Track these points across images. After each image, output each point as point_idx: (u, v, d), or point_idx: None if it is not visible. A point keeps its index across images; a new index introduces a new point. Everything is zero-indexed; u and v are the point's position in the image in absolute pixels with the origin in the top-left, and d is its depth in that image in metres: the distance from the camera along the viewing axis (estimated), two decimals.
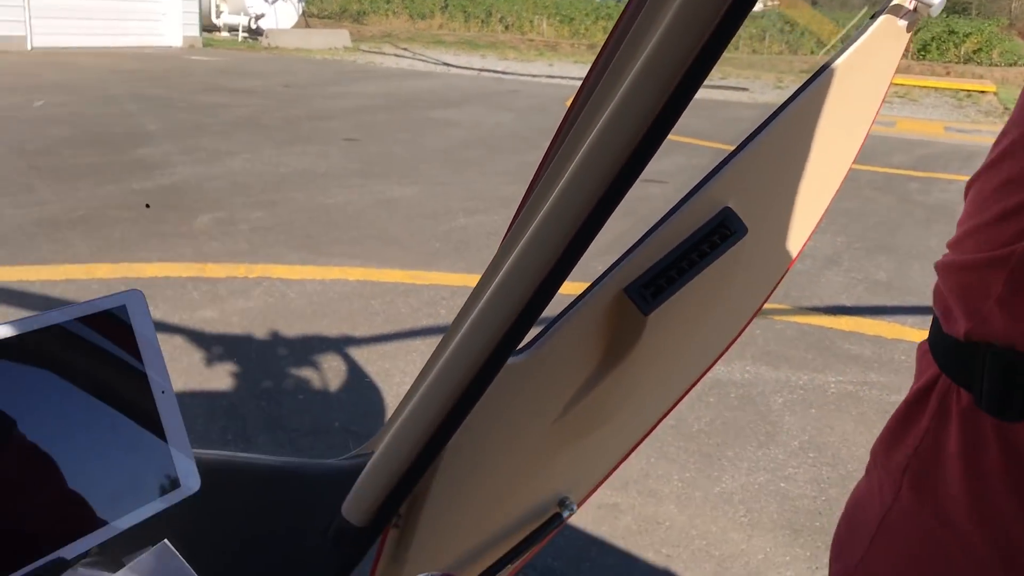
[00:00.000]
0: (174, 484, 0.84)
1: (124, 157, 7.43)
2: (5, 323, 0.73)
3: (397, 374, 3.78)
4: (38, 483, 0.76)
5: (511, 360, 0.94)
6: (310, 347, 4.01)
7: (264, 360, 3.88)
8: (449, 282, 4.81)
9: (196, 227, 5.59)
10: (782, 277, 1.21)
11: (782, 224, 1.15)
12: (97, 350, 0.80)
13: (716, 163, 1.06)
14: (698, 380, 1.30)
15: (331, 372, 3.79)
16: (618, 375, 1.06)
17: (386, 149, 8.53)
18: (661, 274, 1.02)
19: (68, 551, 0.75)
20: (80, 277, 4.59)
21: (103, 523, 0.78)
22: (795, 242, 1.18)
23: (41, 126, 8.54)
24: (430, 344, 4.07)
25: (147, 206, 5.93)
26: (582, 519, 2.75)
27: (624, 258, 1.01)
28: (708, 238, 1.03)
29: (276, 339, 4.10)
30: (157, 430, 0.84)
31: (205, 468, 0.92)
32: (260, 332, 4.15)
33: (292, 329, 4.19)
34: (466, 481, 1.04)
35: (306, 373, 3.79)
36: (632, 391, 1.12)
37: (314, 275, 4.86)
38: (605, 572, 2.55)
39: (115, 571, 1.12)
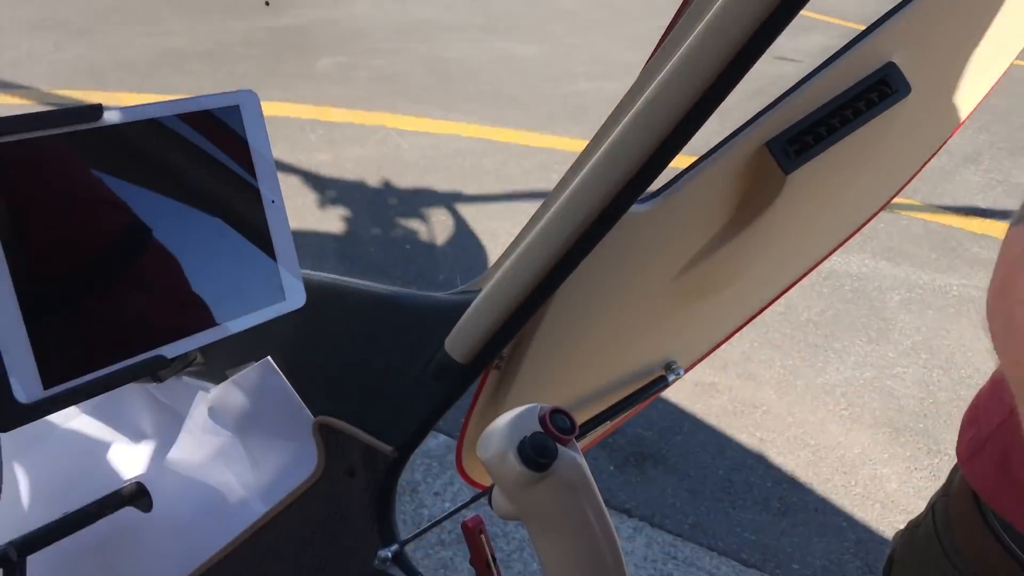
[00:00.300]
0: (279, 297, 0.82)
1: None
2: (118, 109, 0.71)
3: (503, 235, 3.75)
4: (154, 284, 0.76)
5: (635, 208, 0.88)
6: (420, 200, 4.01)
7: (374, 208, 3.91)
8: (564, 146, 4.71)
9: (317, 70, 5.59)
10: (938, 149, 1.10)
11: (948, 90, 1.04)
12: (213, 146, 0.77)
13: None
14: (829, 254, 1.22)
15: (438, 226, 3.79)
16: (747, 237, 0.99)
17: (512, 6, 8.29)
18: (809, 130, 0.93)
19: (168, 350, 0.74)
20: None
21: (206, 327, 0.77)
22: (958, 113, 1.07)
23: None
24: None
25: (266, 3, 5.92)
26: (676, 394, 2.72)
27: (769, 109, 0.92)
28: (866, 94, 0.93)
29: (387, 188, 4.11)
30: (265, 242, 0.82)
31: (313, 288, 0.90)
32: (372, 180, 4.17)
33: (404, 180, 4.19)
34: (573, 330, 1.00)
35: (414, 225, 3.80)
36: (759, 256, 1.05)
37: (429, 128, 4.82)
38: (696, 448, 2.53)
39: (217, 383, 1.14)
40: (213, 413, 1.12)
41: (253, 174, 0.80)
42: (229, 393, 1.09)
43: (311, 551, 1.09)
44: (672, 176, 0.92)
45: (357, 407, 1.04)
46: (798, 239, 1.10)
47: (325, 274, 1.01)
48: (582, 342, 1.03)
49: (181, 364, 1.04)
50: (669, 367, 1.17)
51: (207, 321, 0.77)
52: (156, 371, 0.75)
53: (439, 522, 1.07)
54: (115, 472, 1.10)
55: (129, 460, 1.13)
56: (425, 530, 1.07)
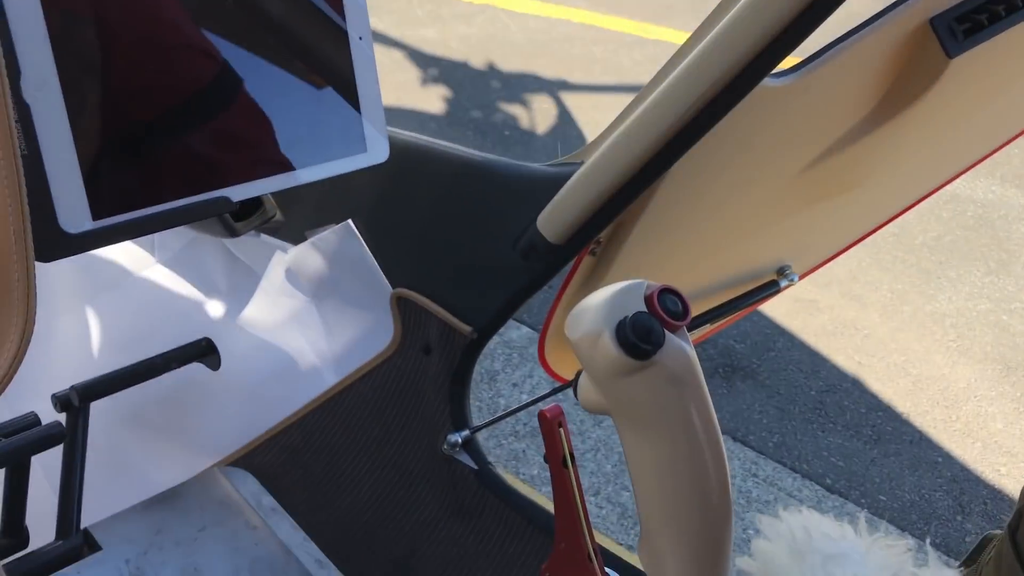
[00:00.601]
0: (359, 148, 0.74)
1: None
2: None
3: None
4: (225, 125, 0.68)
5: (768, 81, 0.76)
6: (523, 85, 3.88)
7: (476, 90, 3.79)
8: (680, 40, 4.47)
9: None
10: None
11: None
12: None
13: None
14: (974, 164, 1.08)
15: (540, 114, 3.66)
16: (891, 129, 0.86)
17: None
18: (983, 7, 0.79)
19: (234, 192, 0.67)
20: None
21: (277, 172, 0.70)
22: None
23: None
24: None
25: None
26: (773, 309, 2.59)
27: None
28: None
29: (491, 71, 3.98)
30: (349, 86, 0.73)
31: (398, 148, 0.82)
32: (477, 61, 4.04)
33: (508, 63, 4.05)
34: (684, 217, 0.89)
35: (515, 110, 3.68)
36: (901, 154, 0.92)
37: (539, 11, 4.64)
38: (789, 365, 2.42)
39: (296, 243, 1.08)
40: (290, 275, 1.06)
41: (341, 7, 0.70)
42: (307, 255, 1.03)
43: (379, 426, 1.04)
44: (816, 50, 0.80)
45: (437, 282, 0.96)
46: (949, 139, 0.96)
47: (413, 134, 0.92)
48: (692, 231, 0.93)
49: (259, 219, 0.97)
50: (782, 271, 1.06)
51: (279, 167, 0.69)
52: (220, 213, 0.68)
53: (514, 412, 1.01)
54: (186, 326, 1.06)
55: (201, 315, 1.08)
56: (499, 418, 1.00)
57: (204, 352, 1.02)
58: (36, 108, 0.56)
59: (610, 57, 4.21)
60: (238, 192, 0.67)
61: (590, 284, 0.95)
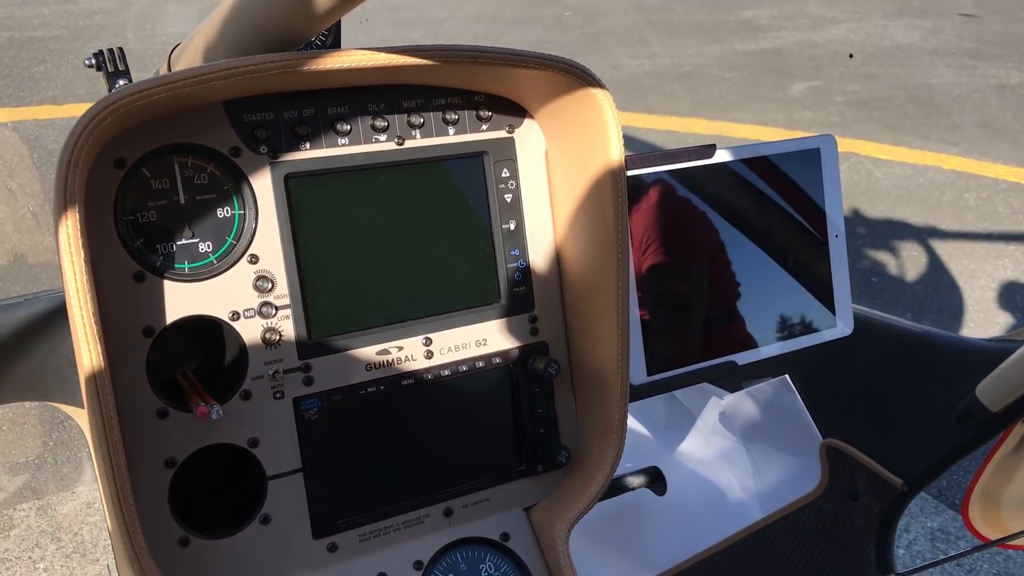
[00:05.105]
0: (831, 323, 0.90)
1: (730, 18, 7.63)
2: (725, 148, 0.84)
3: (983, 277, 3.50)
4: (730, 302, 0.88)
5: None
6: (890, 231, 3.87)
7: None
8: None
9: (791, 94, 5.60)
10: None
11: None
12: (791, 185, 0.87)
13: None
14: None
15: (909, 261, 3.63)
16: None
17: (1009, 29, 7.58)
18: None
19: (740, 357, 0.85)
20: (678, 129, 4.92)
21: (771, 342, 0.87)
22: None
23: None
24: None
25: (851, 56, 6.14)
26: None
27: None
28: None
29: (856, 217, 4.02)
30: (825, 271, 0.90)
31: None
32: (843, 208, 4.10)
33: (874, 210, 4.07)
34: None
35: (883, 257, 3.68)
36: None
37: (905, 158, 4.62)
38: None
39: (730, 391, 1.25)
40: (723, 417, 1.23)
41: (823, 209, 0.88)
42: (742, 402, 1.20)
43: (804, 563, 1.16)
44: None
45: (869, 435, 1.08)
46: None
47: (856, 305, 1.07)
48: None
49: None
50: None
51: (773, 337, 0.87)
52: (726, 375, 0.87)
53: (941, 563, 1.09)
54: (636, 454, 1.26)
55: (646, 446, 1.28)
56: (925, 567, 1.08)
57: (654, 478, 1.20)
58: None
59: (983, 204, 4.09)
60: (742, 357, 0.86)
61: (1021, 449, 1.02)
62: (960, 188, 4.27)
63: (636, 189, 0.80)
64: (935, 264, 3.61)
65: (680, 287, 0.84)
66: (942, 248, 3.74)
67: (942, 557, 1.07)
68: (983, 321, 3.23)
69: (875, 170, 4.47)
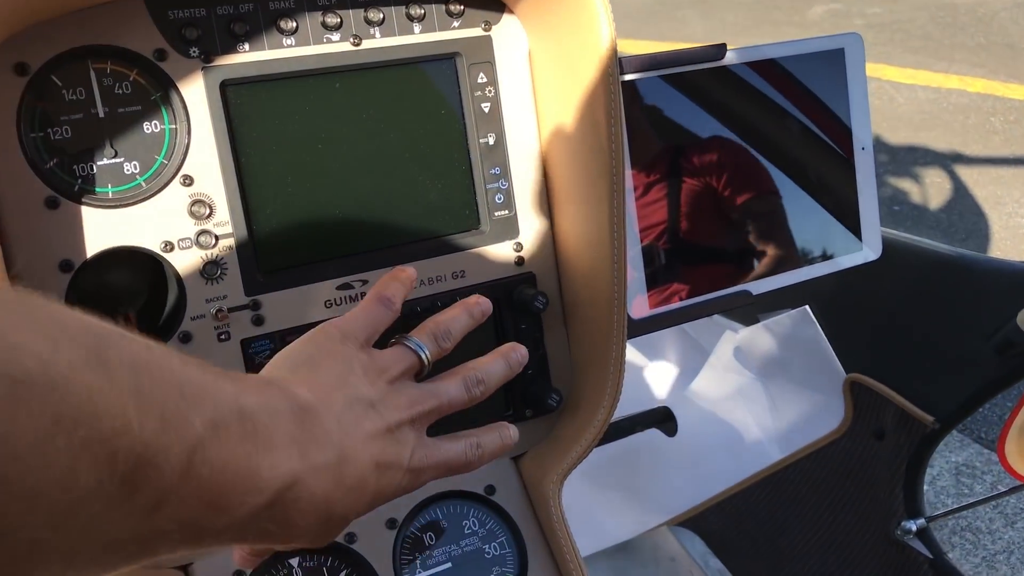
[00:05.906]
0: (856, 246, 0.81)
1: None
2: (735, 49, 0.73)
3: (1009, 203, 3.37)
4: (748, 225, 0.78)
5: None
6: (913, 157, 3.73)
7: None
8: None
9: (809, 17, 5.40)
10: None
11: None
12: (811, 91, 0.77)
13: None
14: None
15: (932, 188, 3.50)
16: None
17: None
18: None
19: (754, 286, 0.76)
20: None
21: (788, 269, 0.78)
22: None
23: None
24: None
25: None
26: None
27: None
28: None
29: (877, 143, 3.88)
30: (850, 189, 0.80)
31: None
32: None
33: (896, 136, 3.92)
34: None
35: (905, 184, 3.55)
36: None
37: (928, 81, 4.45)
38: None
39: (745, 324, 1.16)
40: (738, 352, 1.14)
41: (848, 119, 0.78)
42: (758, 336, 1.11)
43: (826, 506, 1.08)
44: None
45: (897, 369, 0.99)
46: None
47: (887, 229, 0.97)
48: None
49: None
50: None
51: (790, 263, 0.78)
52: (740, 306, 0.77)
53: (974, 505, 1.00)
54: (644, 394, 1.17)
55: (657, 385, 1.20)
56: (958, 509, 1.00)
57: (663, 419, 1.12)
58: None
59: (1011, 128, 3.93)
60: (757, 286, 0.76)
61: None
62: (986, 111, 4.11)
63: (632, 99, 0.70)
64: (960, 190, 3.49)
65: (686, 210, 0.74)
66: (967, 174, 3.60)
67: (973, 499, 0.98)
68: (1010, 249, 3.12)
69: (897, 95, 4.31)
